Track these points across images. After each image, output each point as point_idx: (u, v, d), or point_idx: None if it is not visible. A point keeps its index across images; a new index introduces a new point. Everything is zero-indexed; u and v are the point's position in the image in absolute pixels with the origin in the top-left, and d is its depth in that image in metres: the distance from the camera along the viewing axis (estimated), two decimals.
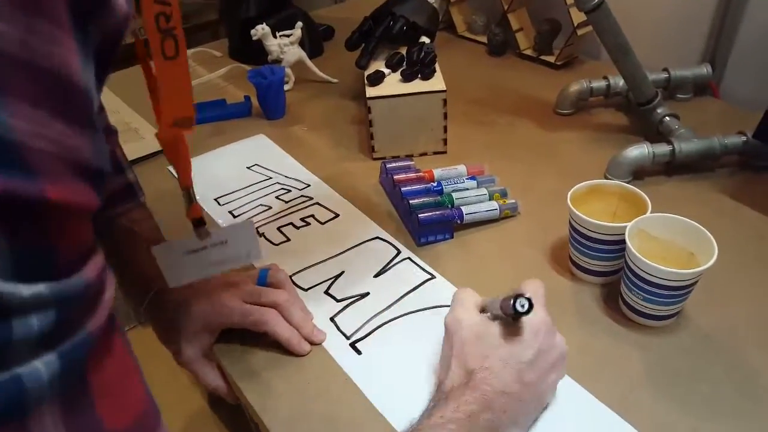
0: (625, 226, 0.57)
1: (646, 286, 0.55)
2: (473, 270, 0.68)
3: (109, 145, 0.64)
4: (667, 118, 0.84)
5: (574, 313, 0.61)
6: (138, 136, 0.94)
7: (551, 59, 1.11)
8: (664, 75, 0.94)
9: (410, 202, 0.73)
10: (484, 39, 1.22)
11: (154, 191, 0.73)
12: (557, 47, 1.11)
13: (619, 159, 0.78)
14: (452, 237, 0.73)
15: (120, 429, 0.27)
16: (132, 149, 0.88)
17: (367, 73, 0.87)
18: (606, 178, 0.80)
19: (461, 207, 0.73)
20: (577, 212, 0.60)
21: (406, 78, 0.86)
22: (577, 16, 1.02)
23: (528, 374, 0.47)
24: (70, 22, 0.24)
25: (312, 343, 0.59)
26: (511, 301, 0.45)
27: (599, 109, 0.98)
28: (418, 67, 0.86)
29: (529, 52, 1.15)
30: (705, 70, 0.94)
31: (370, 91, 0.84)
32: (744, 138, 0.78)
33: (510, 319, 0.48)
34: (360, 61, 0.91)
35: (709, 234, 0.55)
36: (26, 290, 0.22)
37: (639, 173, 0.79)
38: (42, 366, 0.23)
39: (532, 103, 1.00)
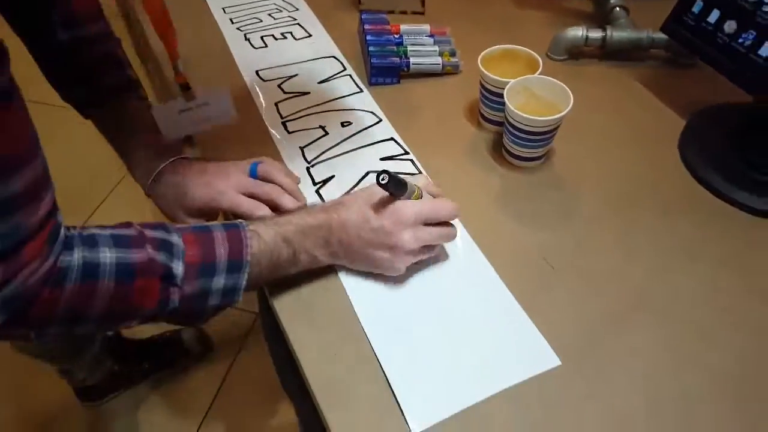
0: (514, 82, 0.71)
1: (516, 132, 0.70)
2: (405, 111, 0.83)
3: (112, 45, 0.73)
4: (618, 9, 0.93)
5: (471, 153, 0.77)
6: None
7: None
8: None
9: (369, 48, 0.87)
10: None
11: None
12: None
13: (557, 38, 0.89)
14: (398, 82, 0.87)
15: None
16: None
17: None
18: (547, 56, 0.91)
19: (410, 58, 0.87)
20: (482, 69, 0.74)
21: None
22: None
23: (365, 233, 0.58)
24: None
25: None
26: (377, 174, 0.54)
27: None
28: None
29: None
30: None
31: None
32: None
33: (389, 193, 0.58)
34: None
35: (569, 90, 0.69)
36: None
37: (575, 53, 0.90)
38: None
39: None
